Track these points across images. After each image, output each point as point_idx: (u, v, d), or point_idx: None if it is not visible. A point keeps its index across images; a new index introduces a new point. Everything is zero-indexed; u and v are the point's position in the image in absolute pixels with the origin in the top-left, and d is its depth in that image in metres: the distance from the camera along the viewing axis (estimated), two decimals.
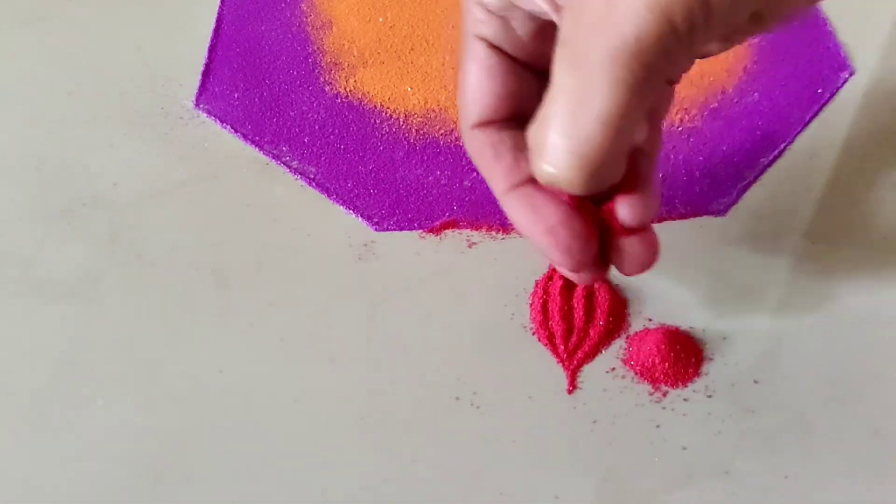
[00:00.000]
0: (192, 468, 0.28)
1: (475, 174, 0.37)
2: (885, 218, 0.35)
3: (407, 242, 0.34)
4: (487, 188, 0.36)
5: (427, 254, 0.34)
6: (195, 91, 0.40)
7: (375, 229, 0.35)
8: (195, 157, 0.37)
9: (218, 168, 0.37)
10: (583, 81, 0.23)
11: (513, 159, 0.28)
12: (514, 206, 0.28)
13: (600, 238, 0.27)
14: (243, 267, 0.34)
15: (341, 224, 0.35)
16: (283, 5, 0.44)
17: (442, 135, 0.38)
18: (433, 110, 0.39)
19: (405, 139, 0.38)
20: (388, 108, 0.39)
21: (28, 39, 0.42)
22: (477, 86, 0.28)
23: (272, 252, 0.34)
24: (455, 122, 0.39)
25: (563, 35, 0.24)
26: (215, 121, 0.39)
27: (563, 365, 0.31)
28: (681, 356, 0.30)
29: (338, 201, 0.36)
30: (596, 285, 0.32)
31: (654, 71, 0.22)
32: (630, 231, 0.27)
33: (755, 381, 0.30)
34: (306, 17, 0.44)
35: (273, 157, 0.37)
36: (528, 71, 0.28)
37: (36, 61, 0.41)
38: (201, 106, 0.39)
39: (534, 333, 0.32)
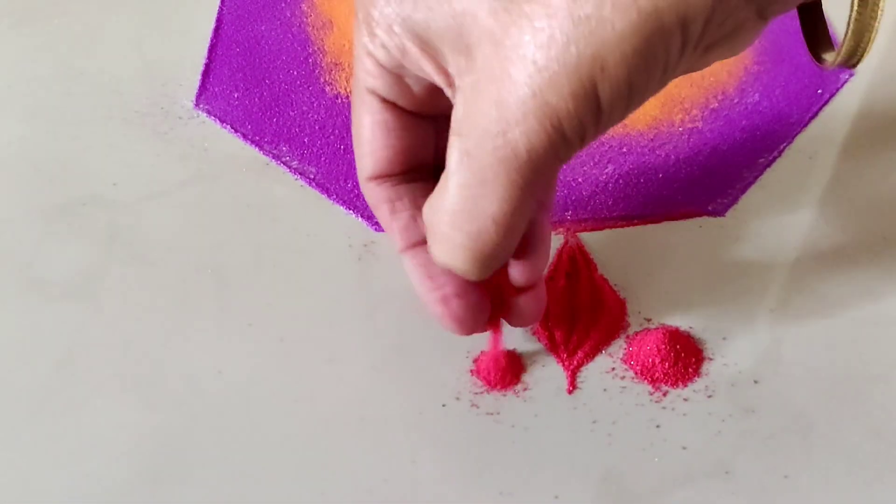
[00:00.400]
0: (191, 468, 0.28)
1: None
2: (885, 218, 0.35)
3: None
4: None
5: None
6: (195, 91, 0.40)
7: (375, 229, 0.35)
8: (195, 157, 0.37)
9: (218, 168, 0.37)
10: (474, 182, 0.23)
11: (409, 218, 0.28)
12: (410, 267, 0.28)
13: (495, 297, 0.28)
14: (243, 267, 0.34)
15: (341, 224, 0.35)
16: (283, 5, 0.44)
17: None
18: None
19: None
20: None
21: (28, 39, 0.42)
22: (370, 139, 0.28)
23: (272, 252, 0.34)
24: None
25: (457, 124, 0.23)
26: (215, 121, 0.39)
27: (563, 365, 0.31)
28: (681, 356, 0.30)
29: (338, 201, 0.36)
30: (596, 285, 0.32)
31: (545, 172, 0.23)
32: (521, 290, 0.28)
33: (755, 381, 0.30)
34: (306, 18, 0.44)
35: (273, 157, 0.37)
36: (424, 122, 0.28)
37: (36, 61, 0.41)
38: (201, 106, 0.39)
39: (534, 333, 0.32)
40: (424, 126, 0.28)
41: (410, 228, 0.28)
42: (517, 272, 0.27)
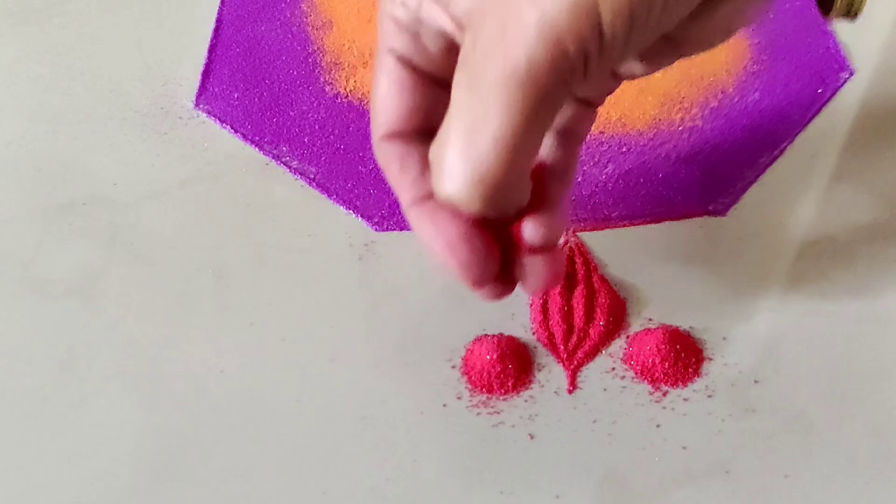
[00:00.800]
0: (192, 468, 0.28)
1: None
2: (886, 218, 0.35)
3: (407, 242, 0.34)
4: None
5: (427, 254, 0.34)
6: (195, 91, 0.40)
7: (375, 229, 0.35)
8: (195, 157, 0.37)
9: (218, 168, 0.37)
10: (478, 104, 0.23)
11: (418, 173, 0.28)
12: (416, 219, 0.28)
13: (510, 255, 0.27)
14: (243, 267, 0.34)
15: (341, 224, 0.35)
16: (283, 5, 0.44)
17: None
18: None
19: None
20: None
21: (28, 39, 0.43)
22: (386, 98, 0.28)
23: (272, 252, 0.34)
24: None
25: (463, 55, 0.24)
26: (215, 121, 0.39)
27: (563, 365, 0.31)
28: (681, 356, 0.30)
29: (338, 201, 0.36)
30: (596, 285, 0.32)
31: (549, 95, 0.23)
32: (535, 250, 0.27)
33: (755, 381, 0.30)
34: (306, 17, 0.44)
35: (273, 157, 0.37)
36: (438, 86, 0.28)
37: (35, 61, 0.41)
38: (201, 106, 0.39)
39: (534, 333, 0.32)
40: (439, 92, 0.28)
41: (418, 183, 0.28)
42: (530, 229, 0.27)
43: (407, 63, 0.28)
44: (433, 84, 0.28)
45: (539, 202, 0.27)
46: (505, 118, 0.23)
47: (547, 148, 0.29)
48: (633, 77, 0.28)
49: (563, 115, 0.30)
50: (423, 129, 0.29)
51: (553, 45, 0.22)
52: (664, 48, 0.26)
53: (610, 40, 0.22)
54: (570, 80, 0.23)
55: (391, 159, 0.29)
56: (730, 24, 0.25)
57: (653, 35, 0.23)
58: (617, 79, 0.29)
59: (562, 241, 0.34)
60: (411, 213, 0.28)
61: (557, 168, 0.28)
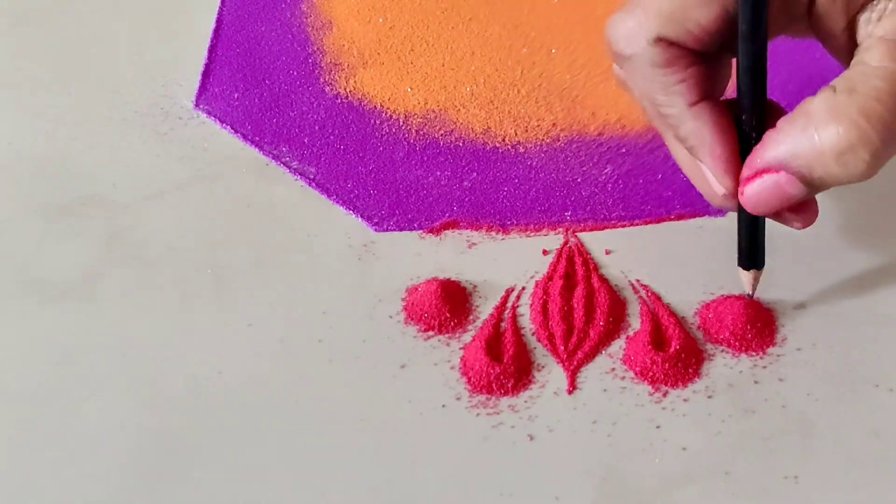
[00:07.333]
0: (192, 468, 0.28)
1: (475, 174, 0.37)
2: (885, 218, 0.35)
3: (407, 242, 0.34)
4: (487, 188, 0.36)
5: (427, 254, 0.34)
6: (195, 91, 0.40)
7: (375, 229, 0.35)
8: (195, 158, 0.37)
9: (218, 168, 0.37)
10: None
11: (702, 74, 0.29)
12: (694, 118, 0.29)
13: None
14: (243, 267, 0.34)
15: (341, 224, 0.35)
16: (283, 6, 0.44)
17: (442, 135, 0.38)
18: (433, 111, 0.39)
19: (405, 139, 0.38)
20: (388, 108, 0.39)
21: (28, 39, 0.43)
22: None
23: (272, 252, 0.34)
24: (455, 123, 0.39)
25: None
26: (215, 121, 0.39)
27: (563, 365, 0.31)
28: (681, 356, 0.30)
29: (338, 201, 0.36)
30: (596, 285, 0.32)
31: None
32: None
33: (755, 382, 0.30)
34: (306, 18, 0.44)
35: (273, 158, 0.37)
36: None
37: (35, 61, 0.41)
38: (201, 106, 0.39)
39: (533, 334, 0.32)
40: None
41: (704, 83, 0.29)
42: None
43: None
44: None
45: None
46: None
47: None
48: None
49: None
50: (706, 47, 0.28)
51: None
52: None
53: None
54: None
55: (669, 61, 0.28)
56: None
57: None
58: None
59: (562, 241, 0.34)
60: (700, 112, 0.28)
61: None
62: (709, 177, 0.29)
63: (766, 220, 0.30)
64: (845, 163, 0.26)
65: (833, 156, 0.26)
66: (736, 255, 0.31)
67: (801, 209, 0.29)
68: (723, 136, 0.29)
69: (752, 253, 0.31)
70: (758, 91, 0.28)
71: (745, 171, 0.28)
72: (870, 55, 0.26)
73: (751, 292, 0.31)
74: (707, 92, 0.29)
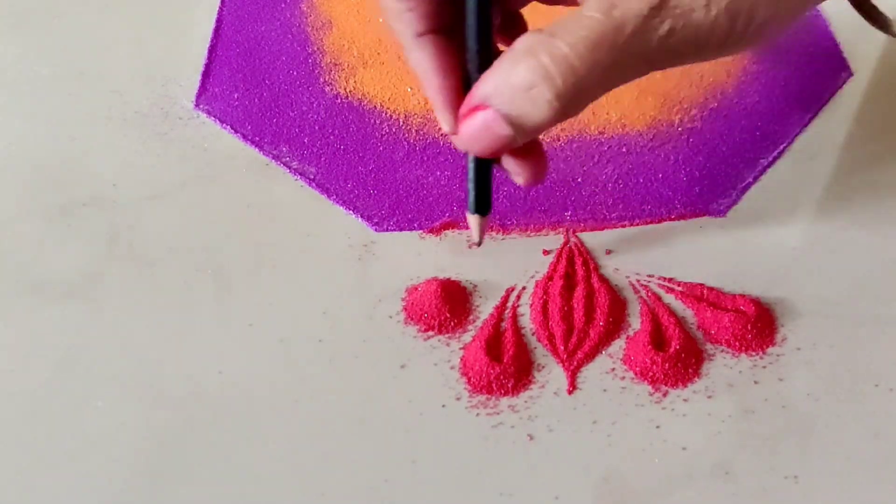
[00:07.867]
0: (192, 468, 0.28)
1: None
2: (885, 218, 0.35)
3: (407, 242, 0.34)
4: None
5: (427, 254, 0.34)
6: (195, 91, 0.40)
7: (375, 229, 0.35)
8: (195, 158, 0.37)
9: (218, 168, 0.37)
10: None
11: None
12: (420, 49, 0.29)
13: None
14: (243, 267, 0.34)
15: (341, 224, 0.35)
16: (283, 6, 0.44)
17: (442, 135, 0.38)
18: (433, 111, 0.39)
19: (405, 139, 0.38)
20: (388, 108, 0.39)
21: (28, 39, 0.43)
22: None
23: (272, 252, 0.34)
24: None
25: None
26: (215, 121, 0.39)
27: (563, 365, 0.31)
28: (681, 356, 0.30)
29: (338, 201, 0.36)
30: (596, 285, 0.32)
31: None
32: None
33: (755, 382, 0.30)
34: (306, 18, 0.44)
35: (273, 158, 0.37)
36: None
37: (35, 61, 0.41)
38: (201, 106, 0.39)
39: (534, 334, 0.32)
40: None
41: (434, 16, 0.28)
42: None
43: None
44: None
45: None
46: None
47: None
48: None
49: None
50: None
51: None
52: None
53: None
54: None
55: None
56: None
57: None
58: None
59: (562, 241, 0.34)
60: (416, 42, 0.29)
61: None
62: (437, 112, 0.29)
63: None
64: (532, 99, 0.26)
65: (520, 91, 0.26)
66: (738, 262, 0.31)
67: (523, 158, 0.29)
68: (445, 70, 0.28)
69: (478, 197, 0.30)
70: (482, 29, 0.28)
71: (462, 108, 0.28)
72: (587, 5, 0.26)
73: (478, 239, 0.31)
74: (438, 26, 0.29)
